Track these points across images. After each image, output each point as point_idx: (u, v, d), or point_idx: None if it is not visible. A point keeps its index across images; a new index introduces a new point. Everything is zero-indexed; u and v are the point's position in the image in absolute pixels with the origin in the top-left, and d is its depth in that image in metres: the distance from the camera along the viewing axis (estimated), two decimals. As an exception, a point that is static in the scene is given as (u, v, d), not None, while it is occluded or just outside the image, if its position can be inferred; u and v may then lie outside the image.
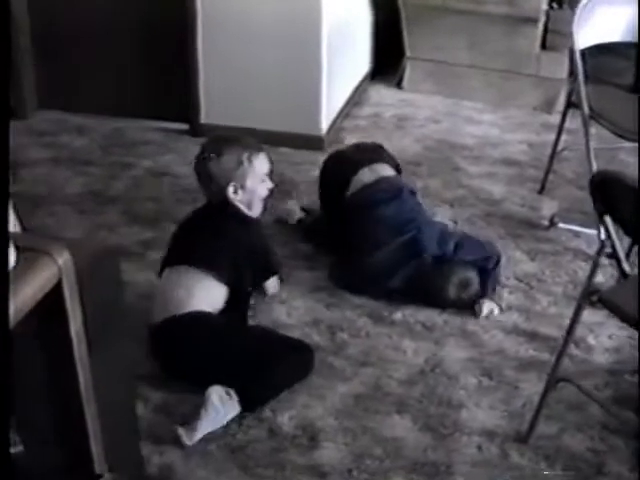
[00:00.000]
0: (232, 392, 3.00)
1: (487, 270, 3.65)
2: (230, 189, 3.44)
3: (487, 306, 3.59)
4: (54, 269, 1.61)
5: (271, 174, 3.59)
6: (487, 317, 3.57)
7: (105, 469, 1.93)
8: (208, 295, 3.29)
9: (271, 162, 3.60)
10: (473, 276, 3.59)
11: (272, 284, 3.65)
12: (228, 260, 3.35)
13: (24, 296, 1.54)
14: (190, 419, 2.95)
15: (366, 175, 3.89)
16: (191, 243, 3.44)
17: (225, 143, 3.53)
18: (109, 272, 2.13)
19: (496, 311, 3.60)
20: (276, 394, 3.11)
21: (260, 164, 3.51)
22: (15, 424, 1.87)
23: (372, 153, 4.14)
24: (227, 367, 3.11)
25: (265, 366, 3.10)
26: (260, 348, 3.17)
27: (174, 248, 3.49)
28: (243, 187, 3.45)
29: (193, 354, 3.17)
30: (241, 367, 3.09)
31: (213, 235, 3.39)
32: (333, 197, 3.98)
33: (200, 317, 3.23)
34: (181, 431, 2.90)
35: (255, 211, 3.55)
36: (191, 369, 3.17)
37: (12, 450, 1.84)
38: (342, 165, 4.04)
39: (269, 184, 3.56)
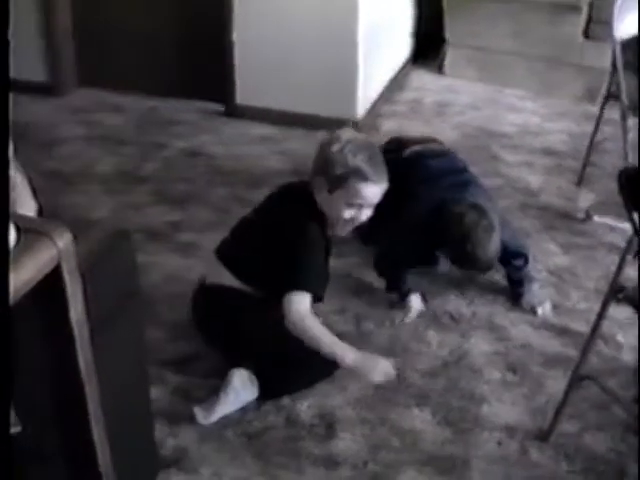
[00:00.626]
0: (254, 377, 2.97)
1: (513, 265, 3.57)
2: (317, 180, 3.04)
3: (541, 302, 3.53)
4: (53, 251, 1.58)
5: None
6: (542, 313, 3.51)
7: (109, 463, 1.91)
8: None
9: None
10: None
11: (290, 304, 2.93)
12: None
13: (21, 277, 1.51)
14: (208, 400, 2.93)
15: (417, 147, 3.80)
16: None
17: (363, 148, 3.06)
18: (121, 257, 2.11)
19: (548, 307, 3.54)
20: (297, 390, 3.06)
21: (361, 189, 2.97)
22: (14, 405, 1.86)
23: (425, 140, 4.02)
24: (256, 351, 3.04)
25: (292, 361, 3.01)
26: (292, 342, 2.97)
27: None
28: (331, 191, 3.00)
29: (228, 327, 3.06)
30: (269, 355, 3.02)
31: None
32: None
33: (245, 295, 3.08)
34: (197, 410, 2.88)
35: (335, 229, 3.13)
36: (222, 341, 3.11)
37: (11, 430, 1.83)
38: (395, 143, 3.93)
39: (350, 214, 3.03)
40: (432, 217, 3.37)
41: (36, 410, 1.89)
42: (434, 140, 3.97)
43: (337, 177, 2.95)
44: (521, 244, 3.64)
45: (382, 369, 2.96)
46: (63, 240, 1.61)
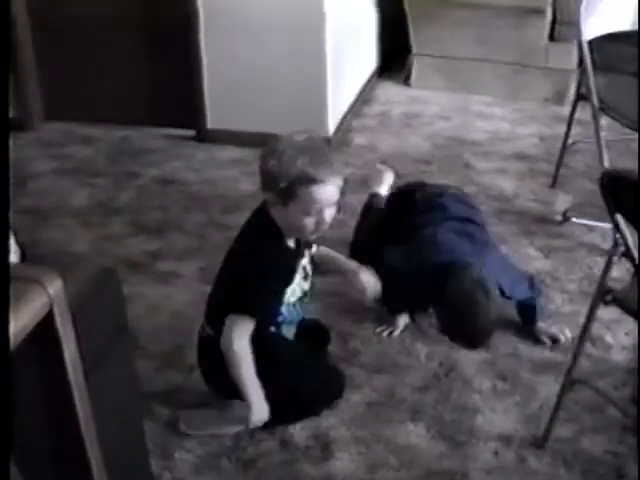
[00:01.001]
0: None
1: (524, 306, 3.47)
2: (267, 196, 2.84)
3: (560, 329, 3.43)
4: (45, 298, 1.58)
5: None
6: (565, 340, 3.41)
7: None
8: None
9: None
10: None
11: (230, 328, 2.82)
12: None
13: (15, 327, 1.51)
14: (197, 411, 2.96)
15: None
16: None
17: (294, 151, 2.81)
18: (108, 293, 2.10)
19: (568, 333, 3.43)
20: (296, 421, 3.02)
21: (312, 194, 2.75)
22: (12, 456, 1.84)
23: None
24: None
25: (293, 394, 2.93)
26: (293, 374, 2.93)
27: None
28: (284, 204, 2.78)
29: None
30: (269, 389, 2.86)
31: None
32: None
33: None
34: (182, 415, 2.88)
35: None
36: (229, 391, 2.92)
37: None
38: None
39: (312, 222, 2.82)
40: (440, 271, 3.17)
41: (34, 454, 1.87)
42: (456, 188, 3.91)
43: (284, 190, 2.71)
44: (525, 289, 3.44)
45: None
46: (54, 286, 1.61)
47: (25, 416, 1.81)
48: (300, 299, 2.99)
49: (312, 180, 2.70)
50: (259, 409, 2.82)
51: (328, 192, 2.75)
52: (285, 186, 2.70)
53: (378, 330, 3.48)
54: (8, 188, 1.58)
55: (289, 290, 2.90)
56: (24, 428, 1.87)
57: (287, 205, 2.74)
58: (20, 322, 1.52)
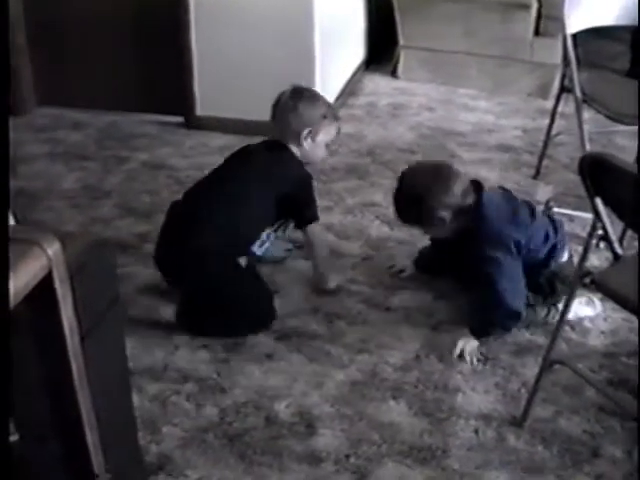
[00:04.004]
0: None
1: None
2: (305, 132, 3.54)
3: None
4: (44, 260, 1.62)
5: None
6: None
7: (102, 461, 1.95)
8: None
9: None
10: None
11: (315, 233, 3.64)
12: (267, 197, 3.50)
13: (14, 287, 1.54)
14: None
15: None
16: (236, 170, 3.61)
17: (317, 94, 3.74)
18: (102, 264, 2.14)
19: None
20: (220, 335, 3.39)
21: (334, 129, 3.69)
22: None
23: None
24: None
25: (223, 306, 3.41)
26: (229, 286, 3.40)
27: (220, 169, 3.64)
28: (314, 139, 3.58)
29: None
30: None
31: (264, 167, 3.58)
32: None
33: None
34: None
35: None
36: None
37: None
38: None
39: (326, 153, 3.76)
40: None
41: (32, 419, 1.92)
42: None
43: (321, 123, 3.58)
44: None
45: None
46: (53, 248, 1.65)
47: (22, 378, 1.87)
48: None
49: (336, 117, 3.73)
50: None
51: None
52: (320, 120, 3.57)
53: (390, 269, 3.80)
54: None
55: None
56: (21, 390, 1.93)
57: (315, 139, 3.58)
58: (19, 282, 1.56)
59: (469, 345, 3.30)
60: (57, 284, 1.67)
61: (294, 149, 3.60)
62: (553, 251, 3.45)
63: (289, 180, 3.54)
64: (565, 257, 3.53)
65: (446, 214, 3.30)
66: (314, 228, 3.61)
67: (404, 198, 3.40)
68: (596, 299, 3.46)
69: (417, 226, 3.56)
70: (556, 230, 3.49)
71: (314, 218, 3.60)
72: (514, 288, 3.27)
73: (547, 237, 3.44)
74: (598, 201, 2.56)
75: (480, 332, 3.33)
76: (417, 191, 3.32)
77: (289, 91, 3.63)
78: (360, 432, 2.92)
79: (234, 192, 3.44)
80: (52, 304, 1.69)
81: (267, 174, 3.52)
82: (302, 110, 3.55)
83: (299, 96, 3.60)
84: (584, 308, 3.45)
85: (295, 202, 3.56)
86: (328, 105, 3.70)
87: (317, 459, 2.81)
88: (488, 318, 3.34)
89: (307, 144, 3.58)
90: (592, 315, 3.47)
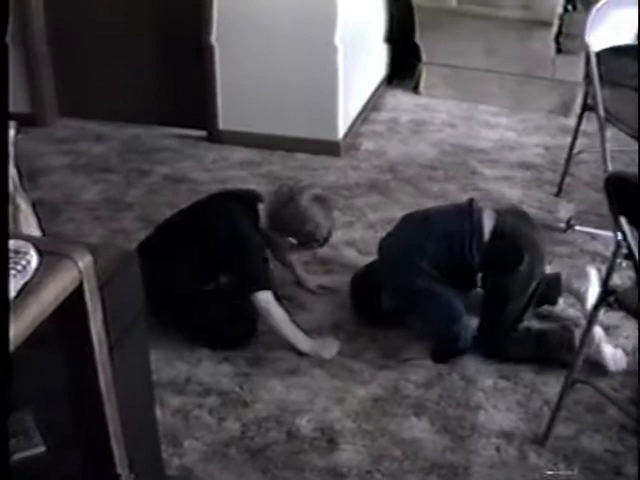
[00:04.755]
0: None
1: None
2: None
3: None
4: (75, 272, 1.63)
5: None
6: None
7: (127, 471, 1.95)
8: None
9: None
10: None
11: (265, 302, 3.39)
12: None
13: (46, 299, 1.56)
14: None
15: None
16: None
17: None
18: (129, 276, 2.16)
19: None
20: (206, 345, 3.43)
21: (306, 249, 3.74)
22: (38, 425, 1.91)
23: None
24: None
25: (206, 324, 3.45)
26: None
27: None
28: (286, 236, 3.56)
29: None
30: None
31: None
32: None
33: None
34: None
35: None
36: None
37: (34, 451, 1.88)
38: None
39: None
40: None
41: (59, 430, 1.93)
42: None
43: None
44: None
45: (330, 348, 3.40)
46: (84, 261, 1.66)
47: (50, 389, 1.88)
48: None
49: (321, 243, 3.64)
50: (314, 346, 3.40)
51: None
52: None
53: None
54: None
55: None
56: (48, 401, 1.94)
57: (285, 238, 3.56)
58: (49, 295, 1.57)
59: None
60: (87, 296, 1.68)
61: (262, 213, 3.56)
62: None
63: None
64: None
65: None
66: (260, 296, 3.38)
67: None
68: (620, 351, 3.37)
69: None
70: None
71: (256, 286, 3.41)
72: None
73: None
74: (623, 220, 2.56)
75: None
76: None
77: (312, 194, 3.54)
78: (382, 448, 2.92)
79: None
80: (82, 316, 1.70)
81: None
82: (311, 215, 3.49)
83: (320, 202, 3.53)
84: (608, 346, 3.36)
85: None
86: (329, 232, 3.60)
87: (339, 474, 2.80)
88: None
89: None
90: (609, 357, 3.32)
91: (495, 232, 3.38)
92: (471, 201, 3.54)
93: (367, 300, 3.60)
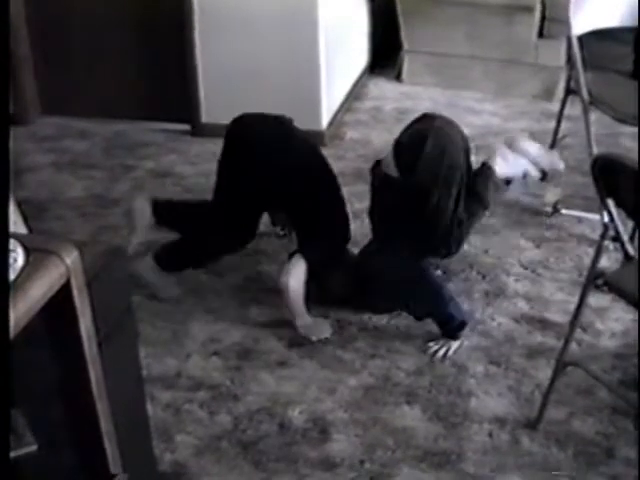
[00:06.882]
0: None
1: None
2: None
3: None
4: (62, 269, 1.62)
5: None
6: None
7: (119, 469, 1.95)
8: None
9: None
10: None
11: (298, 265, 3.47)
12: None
13: (33, 296, 1.55)
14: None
15: None
16: None
17: None
18: (116, 271, 2.15)
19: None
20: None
21: None
22: (29, 424, 1.90)
23: None
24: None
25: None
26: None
27: None
28: None
29: None
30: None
31: None
32: None
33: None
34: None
35: None
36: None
37: (26, 450, 1.87)
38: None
39: None
40: None
41: (51, 428, 1.92)
42: None
43: None
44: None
45: (321, 332, 3.43)
46: (71, 257, 1.65)
47: (40, 386, 1.87)
48: None
49: None
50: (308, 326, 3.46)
51: None
52: None
53: (432, 349, 3.38)
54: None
55: None
56: (38, 398, 1.93)
57: None
58: (37, 291, 1.56)
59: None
60: (75, 293, 1.67)
61: None
62: None
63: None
64: None
65: None
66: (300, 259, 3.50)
67: None
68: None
69: None
70: None
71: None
72: None
73: None
74: (610, 202, 2.56)
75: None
76: None
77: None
78: (374, 437, 2.92)
79: None
80: (70, 312, 1.69)
81: None
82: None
83: None
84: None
85: None
86: None
87: (332, 465, 2.81)
88: None
89: None
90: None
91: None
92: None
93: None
